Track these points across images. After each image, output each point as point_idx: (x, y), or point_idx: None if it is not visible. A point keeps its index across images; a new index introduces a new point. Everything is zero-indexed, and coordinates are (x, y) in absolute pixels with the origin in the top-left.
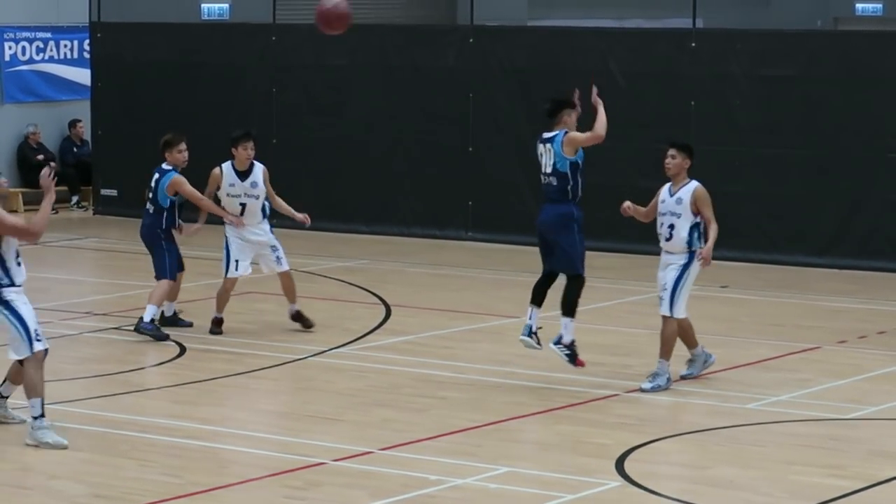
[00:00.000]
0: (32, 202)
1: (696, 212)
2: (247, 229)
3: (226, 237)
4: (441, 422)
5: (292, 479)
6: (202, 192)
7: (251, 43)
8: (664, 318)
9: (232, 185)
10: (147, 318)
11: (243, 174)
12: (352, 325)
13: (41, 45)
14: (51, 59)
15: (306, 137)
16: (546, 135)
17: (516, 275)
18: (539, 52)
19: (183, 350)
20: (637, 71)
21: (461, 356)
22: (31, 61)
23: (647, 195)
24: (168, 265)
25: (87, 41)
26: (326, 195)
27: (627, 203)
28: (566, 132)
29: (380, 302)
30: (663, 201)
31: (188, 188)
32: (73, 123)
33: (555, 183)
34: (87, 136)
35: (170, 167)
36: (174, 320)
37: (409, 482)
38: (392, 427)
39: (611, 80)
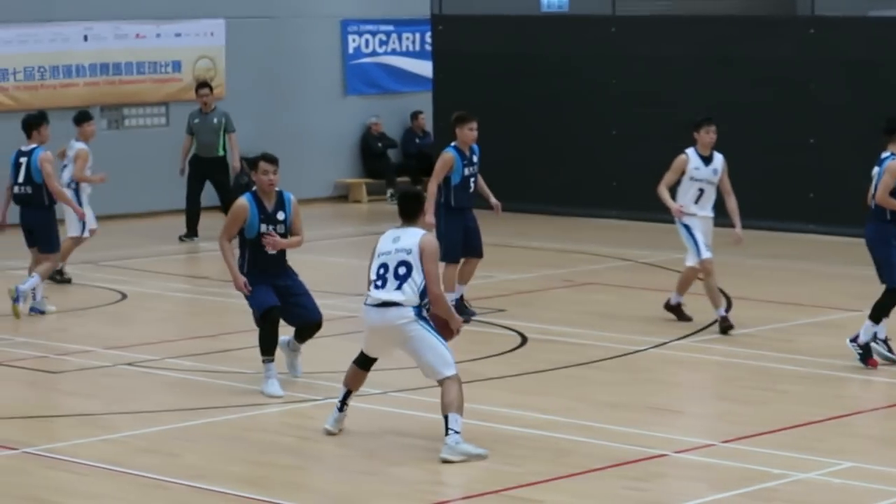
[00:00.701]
0: (376, 192)
1: None
2: (697, 218)
3: (684, 224)
4: (781, 415)
5: (633, 470)
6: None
7: (590, 34)
8: None
9: (697, 168)
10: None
11: (707, 160)
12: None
13: (384, 38)
14: (393, 52)
15: (644, 128)
16: (882, 155)
17: (856, 268)
18: (880, 44)
19: (524, 340)
20: None
21: (800, 349)
22: (373, 54)
23: None
24: (443, 245)
25: (428, 34)
26: None
27: None
28: (893, 156)
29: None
30: None
31: (438, 167)
32: (414, 115)
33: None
34: (429, 127)
35: (454, 143)
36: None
37: (751, 475)
38: (732, 419)
39: None
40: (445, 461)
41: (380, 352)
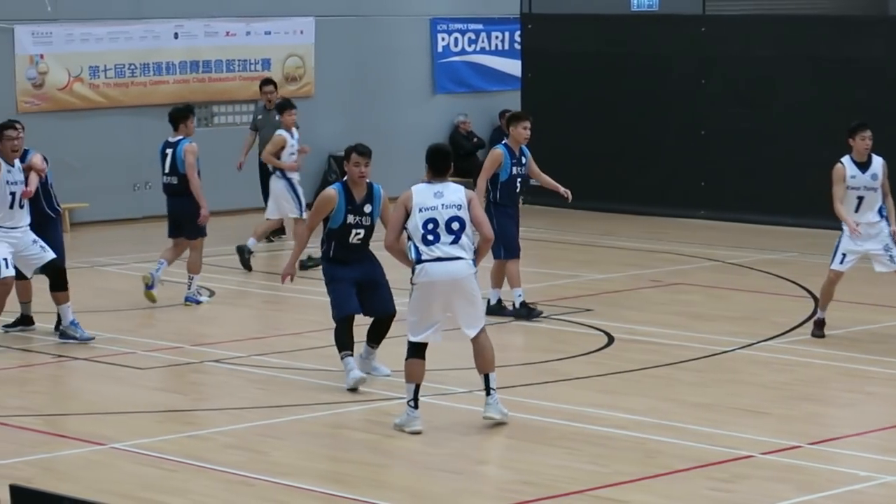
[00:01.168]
0: None
1: None
2: (860, 226)
3: (843, 230)
4: (869, 417)
5: (718, 471)
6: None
7: (680, 34)
8: None
9: (853, 176)
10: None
11: (863, 166)
12: (779, 319)
13: (473, 37)
14: (482, 51)
15: (733, 128)
16: None
17: None
18: None
19: (610, 340)
20: None
21: (891, 351)
22: (462, 52)
23: None
24: (503, 243)
25: (517, 33)
26: (752, 187)
27: None
28: None
29: (808, 295)
30: None
31: (488, 164)
32: (502, 114)
33: None
34: None
35: (505, 140)
36: (498, 309)
37: (837, 478)
38: (819, 421)
39: None
40: (489, 418)
41: (432, 314)
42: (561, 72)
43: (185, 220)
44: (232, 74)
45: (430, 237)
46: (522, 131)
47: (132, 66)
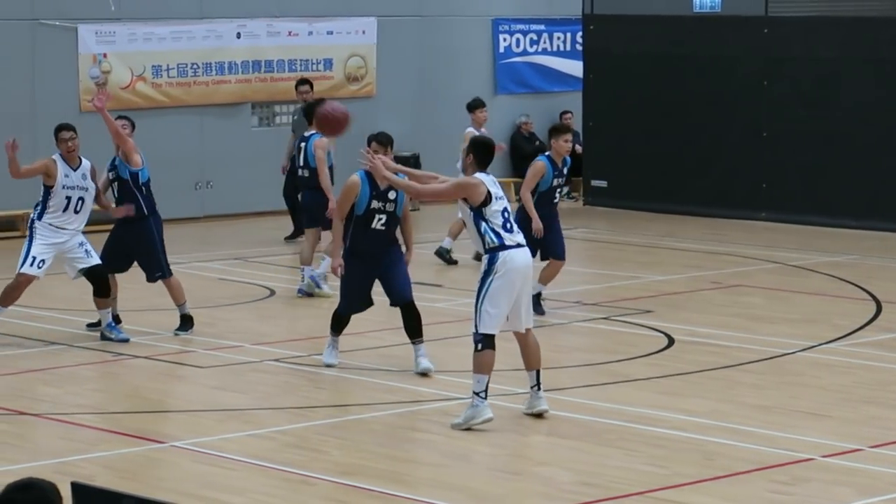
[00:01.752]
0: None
1: None
2: None
3: None
4: None
5: (779, 473)
6: None
7: (742, 35)
8: None
9: None
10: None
11: None
12: (840, 321)
13: (535, 38)
14: (543, 52)
15: (795, 130)
16: None
17: None
18: None
19: (670, 341)
20: None
21: None
22: (524, 53)
23: None
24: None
25: (579, 33)
26: (814, 188)
27: None
28: None
29: (870, 298)
30: None
31: (530, 176)
32: (563, 115)
33: None
34: (577, 127)
35: (548, 153)
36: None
37: None
38: (880, 424)
39: None
40: (542, 413)
41: (510, 303)
42: (623, 73)
43: (310, 211)
44: (294, 74)
45: (508, 225)
46: (564, 144)
47: (195, 66)
